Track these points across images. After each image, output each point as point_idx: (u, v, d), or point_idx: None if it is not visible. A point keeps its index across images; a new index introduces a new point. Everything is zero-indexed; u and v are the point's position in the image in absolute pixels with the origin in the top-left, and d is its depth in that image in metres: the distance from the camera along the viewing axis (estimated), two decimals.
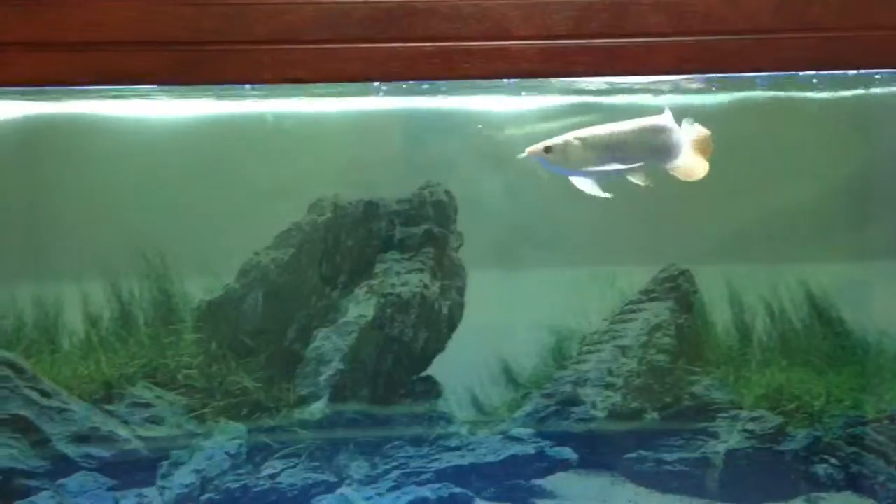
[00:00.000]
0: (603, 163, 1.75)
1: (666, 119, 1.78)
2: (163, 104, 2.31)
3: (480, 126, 2.28)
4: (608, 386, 2.56)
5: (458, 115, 2.39)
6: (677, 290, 2.63)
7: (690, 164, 1.77)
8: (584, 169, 1.76)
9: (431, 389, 2.54)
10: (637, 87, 2.02)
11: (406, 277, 2.51)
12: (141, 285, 2.48)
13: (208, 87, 2.01)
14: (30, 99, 2.21)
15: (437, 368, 2.53)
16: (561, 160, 1.75)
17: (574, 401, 2.55)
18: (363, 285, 2.51)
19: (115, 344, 2.48)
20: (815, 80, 2.08)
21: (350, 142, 2.48)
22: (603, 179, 1.77)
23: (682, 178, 1.78)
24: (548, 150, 1.76)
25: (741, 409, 2.51)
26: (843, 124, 2.46)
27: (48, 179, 2.41)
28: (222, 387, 2.49)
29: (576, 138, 1.76)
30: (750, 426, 2.47)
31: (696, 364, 2.59)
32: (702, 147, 1.78)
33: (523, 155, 1.77)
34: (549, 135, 2.39)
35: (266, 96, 2.28)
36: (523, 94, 2.33)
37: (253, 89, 2.10)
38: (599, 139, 1.75)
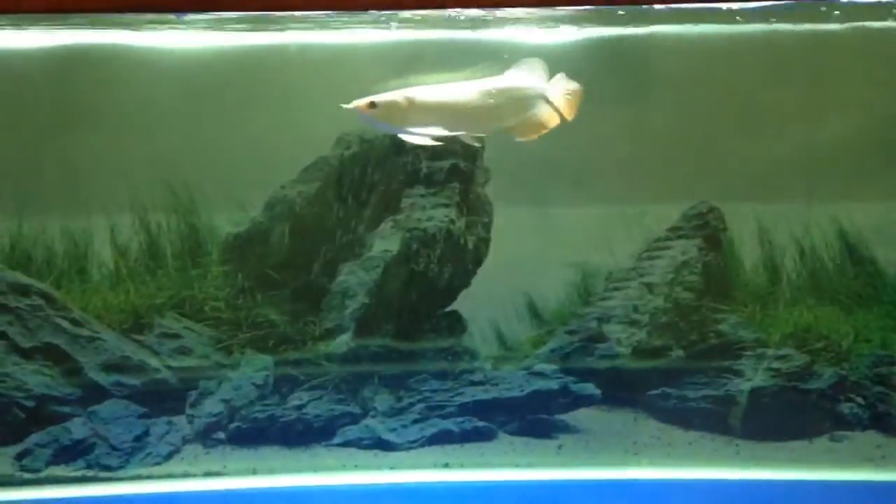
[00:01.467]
0: (428, 124, 1.74)
1: (500, 80, 1.76)
2: (192, 35, 2.29)
3: (507, 56, 2.23)
4: (633, 323, 2.55)
5: (488, 45, 2.34)
6: (706, 227, 2.60)
7: (537, 119, 1.77)
8: (408, 129, 1.75)
9: (456, 324, 2.55)
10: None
11: (432, 212, 2.50)
12: (168, 218, 2.50)
13: (236, 16, 1.99)
14: (58, 27, 2.19)
15: (462, 303, 2.54)
16: (385, 117, 1.74)
17: (599, 337, 2.55)
18: (389, 220, 2.51)
19: (144, 275, 2.49)
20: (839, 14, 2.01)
21: (377, 74, 2.41)
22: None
23: (518, 137, 1.79)
24: (372, 105, 1.76)
25: (767, 347, 2.49)
26: (877, 60, 2.38)
27: (77, 110, 2.41)
28: (249, 319, 2.51)
29: (405, 97, 1.75)
30: (776, 364, 2.46)
31: (723, 302, 2.57)
32: (567, 102, 1.78)
33: (348, 106, 1.76)
34: (570, 71, 2.36)
35: (292, 28, 2.26)
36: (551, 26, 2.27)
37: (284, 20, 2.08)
38: (430, 103, 1.74)
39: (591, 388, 2.49)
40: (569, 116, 1.81)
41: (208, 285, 2.50)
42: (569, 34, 2.35)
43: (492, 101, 1.77)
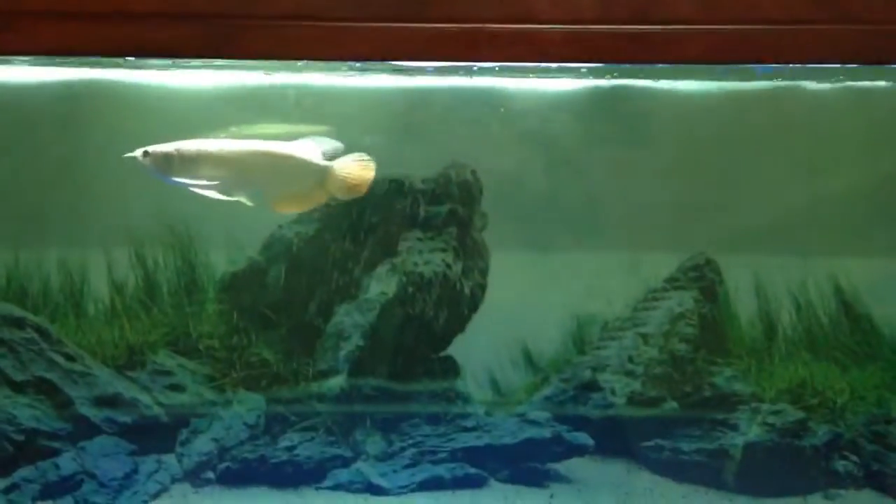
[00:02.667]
0: (200, 177, 1.76)
1: (287, 147, 1.77)
2: (191, 75, 2.31)
3: (503, 109, 2.26)
4: (628, 373, 2.54)
5: (487, 95, 2.37)
6: (702, 279, 2.60)
7: (306, 195, 1.75)
8: (181, 180, 1.77)
9: (450, 369, 2.54)
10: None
11: (429, 256, 2.50)
12: (165, 254, 2.50)
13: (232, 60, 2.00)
14: (62, 65, 2.21)
15: (457, 348, 2.53)
16: (157, 167, 1.77)
17: (593, 386, 2.54)
18: (386, 263, 2.51)
19: (139, 311, 2.50)
20: (841, 75, 2.03)
21: (375, 119, 2.46)
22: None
23: (274, 207, 1.78)
24: (145, 154, 1.78)
25: (762, 401, 2.48)
26: (877, 118, 2.40)
27: (77, 145, 2.42)
28: (243, 358, 2.50)
29: (175, 149, 1.77)
30: (771, 419, 2.45)
31: (719, 355, 2.57)
32: (347, 186, 1.75)
33: (129, 155, 1.78)
34: (570, 119, 2.38)
35: (292, 70, 2.27)
36: (552, 76, 2.30)
37: (279, 63, 2.10)
38: (200, 156, 1.76)
39: (584, 438, 2.47)
40: (345, 197, 1.79)
41: (203, 323, 2.50)
42: (569, 83, 2.38)
43: (268, 165, 1.78)
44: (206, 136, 2.37)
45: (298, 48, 1.58)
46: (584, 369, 2.54)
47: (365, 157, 1.76)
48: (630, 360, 2.54)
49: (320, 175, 1.76)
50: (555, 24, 1.55)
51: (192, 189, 1.75)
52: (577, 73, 2.28)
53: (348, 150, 2.41)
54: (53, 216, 2.44)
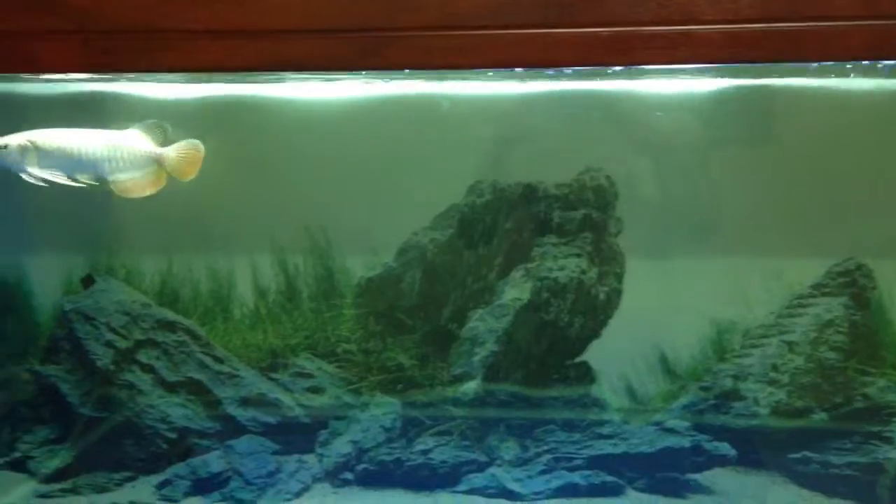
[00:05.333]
0: (51, 167, 1.80)
1: (120, 136, 1.84)
2: (332, 86, 2.36)
3: (660, 113, 2.22)
4: (772, 382, 2.44)
5: (624, 98, 2.33)
6: (853, 285, 2.46)
7: (145, 180, 1.86)
8: (34, 170, 1.80)
9: (585, 375, 2.50)
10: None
11: (563, 262, 2.47)
12: (306, 260, 2.55)
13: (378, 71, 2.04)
14: (213, 81, 2.30)
15: (592, 354, 2.49)
16: (16, 160, 1.79)
17: (734, 395, 2.45)
18: (520, 268, 2.50)
19: (281, 316, 2.56)
20: None
21: (510, 125, 2.45)
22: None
23: (119, 192, 1.87)
24: (4, 147, 1.80)
25: None
26: None
27: (224, 156, 2.49)
28: (379, 362, 2.53)
29: (29, 140, 1.80)
30: None
31: (871, 364, 2.43)
32: (183, 167, 1.88)
33: None
34: (706, 120, 2.30)
35: (429, 78, 2.29)
36: (689, 76, 2.24)
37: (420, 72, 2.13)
38: (50, 146, 1.80)
39: (725, 448, 2.40)
40: (185, 178, 1.91)
41: (341, 327, 2.54)
42: (701, 84, 2.32)
43: (109, 154, 1.85)
44: (347, 146, 2.48)
45: (442, 57, 1.58)
46: (725, 377, 2.46)
47: (193, 140, 1.91)
48: (774, 368, 2.44)
49: (158, 161, 1.89)
50: (715, 24, 1.49)
51: (42, 179, 1.82)
52: (715, 73, 2.22)
53: (485, 156, 2.48)
54: (204, 225, 2.53)
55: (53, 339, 2.54)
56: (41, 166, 1.82)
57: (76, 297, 2.54)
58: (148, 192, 1.90)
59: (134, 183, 1.88)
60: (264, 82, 2.31)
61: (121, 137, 1.88)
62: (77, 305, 2.52)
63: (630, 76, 2.17)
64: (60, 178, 1.83)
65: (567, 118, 2.42)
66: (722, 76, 2.26)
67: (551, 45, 1.52)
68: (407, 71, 1.81)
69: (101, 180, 1.86)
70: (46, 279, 2.53)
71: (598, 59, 1.51)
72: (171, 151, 1.91)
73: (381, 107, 2.40)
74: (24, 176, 1.83)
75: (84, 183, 1.85)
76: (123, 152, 1.87)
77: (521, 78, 2.26)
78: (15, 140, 1.83)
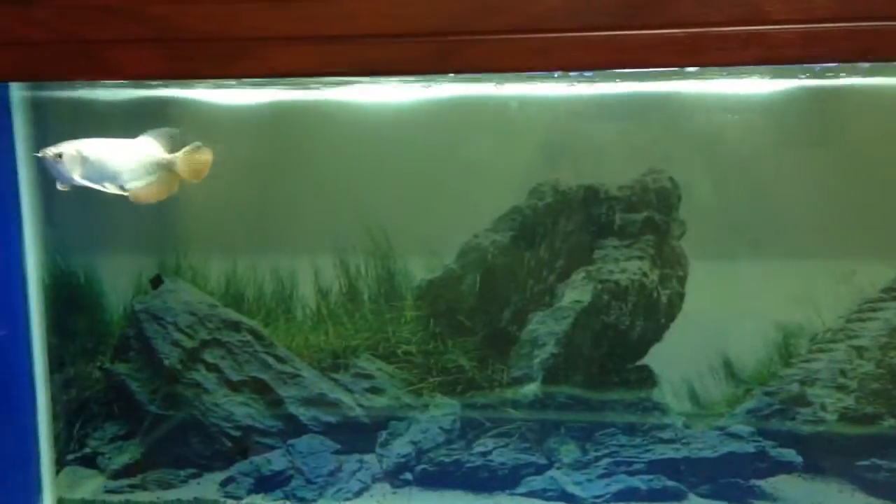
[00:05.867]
0: (89, 177, 1.84)
1: (134, 143, 1.86)
2: (394, 89, 2.39)
3: (726, 114, 2.19)
4: (840, 388, 2.39)
5: (689, 99, 2.30)
6: None
7: (147, 188, 1.88)
8: (78, 180, 1.82)
9: (647, 378, 2.47)
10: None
11: (624, 265, 2.45)
12: (367, 262, 2.55)
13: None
14: (288, 87, 2.36)
15: (654, 358, 2.46)
16: (68, 169, 1.81)
17: (801, 401, 2.40)
18: (580, 271, 2.48)
19: (342, 317, 2.57)
20: None
21: (573, 127, 2.44)
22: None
23: (134, 199, 1.89)
24: (59, 156, 1.81)
25: None
26: None
27: (287, 160, 2.54)
28: (438, 363, 2.54)
29: (77, 150, 1.83)
30: None
31: None
32: (193, 171, 1.90)
33: (38, 154, 1.82)
34: (773, 121, 2.27)
35: (492, 80, 2.30)
36: (756, 77, 2.21)
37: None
38: (90, 155, 1.83)
39: (791, 455, 2.36)
40: (195, 180, 1.94)
41: (401, 329, 2.55)
42: (768, 85, 2.28)
43: (130, 161, 1.89)
44: (409, 147, 2.49)
45: (520, 60, 1.58)
46: (791, 382, 2.41)
47: (199, 144, 1.94)
48: (843, 374, 2.39)
49: (168, 166, 1.92)
50: (789, 24, 1.47)
51: (83, 185, 1.85)
52: (782, 74, 2.19)
53: (546, 158, 2.46)
54: (268, 226, 2.56)
55: (123, 338, 2.59)
56: (82, 176, 1.87)
57: (145, 297, 2.59)
58: (161, 198, 1.95)
59: (148, 190, 1.92)
60: (330, 86, 2.33)
61: (135, 145, 1.93)
62: (146, 305, 2.57)
63: (697, 77, 2.15)
64: (96, 186, 1.88)
65: (630, 119, 2.39)
66: (789, 77, 2.23)
67: (626, 47, 1.50)
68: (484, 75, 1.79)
69: (122, 188, 1.91)
70: (117, 279, 2.57)
71: (673, 60, 1.49)
72: (181, 156, 1.95)
73: (443, 109, 2.40)
74: (68, 186, 1.89)
75: (112, 191, 1.90)
76: (140, 159, 1.92)
77: (591, 80, 2.25)
78: (67, 149, 1.87)
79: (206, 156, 1.95)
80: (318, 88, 2.39)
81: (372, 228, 2.51)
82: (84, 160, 1.88)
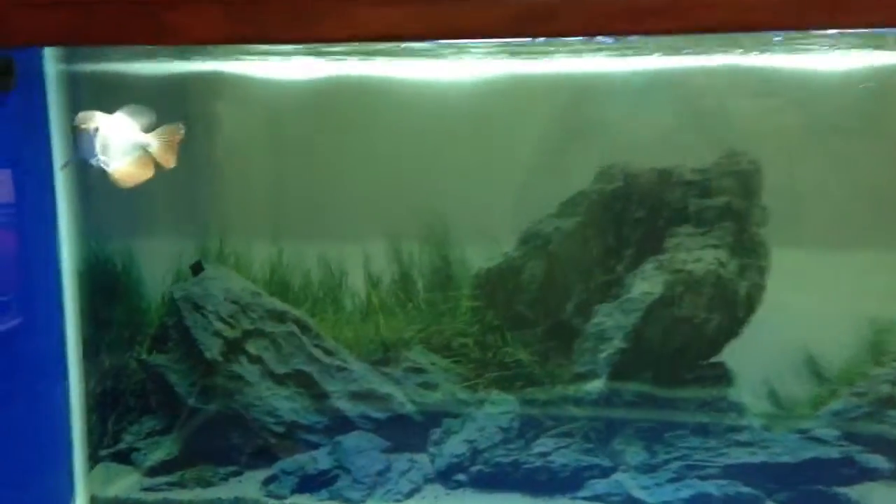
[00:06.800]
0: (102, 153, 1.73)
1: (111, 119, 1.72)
2: (447, 64, 2.27)
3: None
4: None
5: (777, 76, 2.15)
6: None
7: (123, 169, 1.75)
8: (98, 156, 1.72)
9: (722, 376, 2.35)
10: None
11: (699, 254, 2.32)
12: (421, 249, 2.45)
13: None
14: (333, 59, 2.23)
15: (730, 354, 2.33)
16: (97, 144, 1.71)
17: (892, 402, 2.25)
18: (651, 260, 2.36)
19: (394, 307, 2.47)
20: None
21: (645, 103, 2.30)
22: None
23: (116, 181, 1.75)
24: (96, 130, 1.71)
25: None
26: None
27: (338, 140, 2.43)
28: (496, 358, 2.43)
29: (99, 124, 1.71)
30: None
31: None
32: (166, 153, 1.77)
33: (82, 127, 1.70)
34: (862, 102, 2.10)
35: (557, 54, 2.16)
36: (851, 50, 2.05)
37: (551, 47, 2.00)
38: (107, 131, 1.72)
39: (879, 460, 2.22)
40: (168, 165, 1.80)
41: (457, 320, 2.44)
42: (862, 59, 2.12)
43: (118, 138, 1.77)
44: (467, 127, 2.36)
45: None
46: (882, 383, 2.26)
47: (174, 124, 1.80)
48: None
49: (145, 146, 1.79)
50: None
51: (93, 162, 1.74)
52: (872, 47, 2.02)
53: (616, 138, 2.33)
54: (315, 210, 2.45)
55: (161, 327, 2.50)
56: (100, 152, 1.75)
57: (185, 284, 2.48)
58: (138, 181, 1.80)
59: (124, 171, 1.79)
60: (393, 57, 2.21)
61: (113, 121, 1.79)
62: (186, 293, 2.47)
63: (787, 50, 2.00)
64: (102, 164, 1.76)
65: (710, 96, 2.27)
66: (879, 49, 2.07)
67: (744, 6, 1.34)
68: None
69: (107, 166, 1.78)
70: (155, 266, 2.48)
71: (799, 21, 1.32)
72: (159, 137, 1.81)
73: (505, 85, 2.29)
74: (92, 161, 1.76)
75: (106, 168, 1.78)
76: (119, 137, 1.79)
77: (677, 51, 2.11)
78: (95, 124, 1.75)
79: (180, 136, 1.81)
80: (373, 60, 2.27)
81: (427, 213, 2.41)
82: (104, 136, 1.77)
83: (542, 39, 1.95)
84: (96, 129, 1.73)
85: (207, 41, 1.63)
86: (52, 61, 2.30)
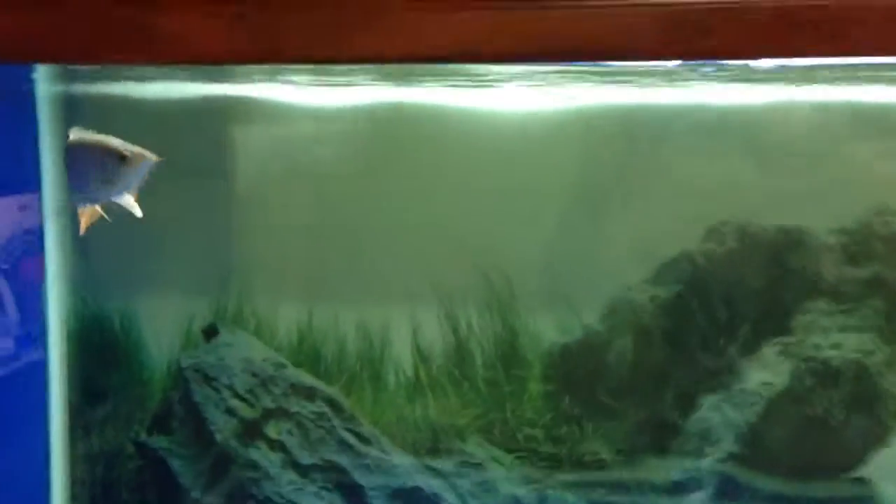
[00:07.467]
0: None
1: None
2: (518, 90, 1.94)
3: None
4: None
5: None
6: None
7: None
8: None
9: (865, 496, 1.94)
10: None
11: (838, 337, 1.94)
12: (481, 316, 2.10)
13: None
14: (380, 84, 1.94)
15: (877, 468, 1.93)
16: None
17: None
18: (774, 343, 1.99)
19: (447, 387, 2.13)
20: None
21: (771, 142, 1.91)
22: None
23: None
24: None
25: None
26: None
27: (383, 180, 2.11)
28: (572, 455, 2.06)
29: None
30: None
31: None
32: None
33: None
34: None
35: (651, 78, 1.80)
36: None
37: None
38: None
39: None
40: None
41: (524, 407, 2.08)
42: None
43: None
44: (539, 166, 2.01)
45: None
46: None
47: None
48: None
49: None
50: None
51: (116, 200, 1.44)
52: None
53: (732, 189, 1.94)
54: (354, 265, 2.11)
55: (165, 403, 2.18)
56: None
57: (195, 351, 2.16)
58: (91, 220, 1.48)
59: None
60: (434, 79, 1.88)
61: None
62: (196, 362, 2.15)
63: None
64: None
65: (855, 137, 1.87)
66: None
67: None
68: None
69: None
70: (160, 327, 2.17)
71: None
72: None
73: (590, 115, 1.95)
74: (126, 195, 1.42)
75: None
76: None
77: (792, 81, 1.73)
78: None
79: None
80: (422, 86, 1.97)
81: (490, 273, 2.05)
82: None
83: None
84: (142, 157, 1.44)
85: (216, 60, 1.30)
86: (46, 81, 2.03)
